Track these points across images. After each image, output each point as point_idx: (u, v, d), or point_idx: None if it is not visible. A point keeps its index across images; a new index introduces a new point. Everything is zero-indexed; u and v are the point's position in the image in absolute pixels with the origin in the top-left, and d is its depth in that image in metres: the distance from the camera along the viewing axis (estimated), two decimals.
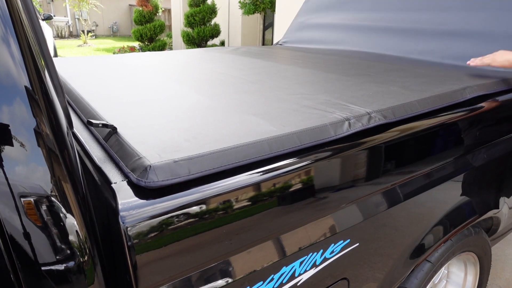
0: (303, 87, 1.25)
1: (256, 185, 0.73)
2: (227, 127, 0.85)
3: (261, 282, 0.80)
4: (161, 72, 1.51)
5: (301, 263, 0.85)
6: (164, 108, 1.00)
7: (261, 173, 0.75)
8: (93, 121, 0.79)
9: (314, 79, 1.40)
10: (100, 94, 1.11)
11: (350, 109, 0.98)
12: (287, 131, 0.83)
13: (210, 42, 8.84)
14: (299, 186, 0.80)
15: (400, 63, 1.75)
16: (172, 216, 0.64)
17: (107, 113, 0.93)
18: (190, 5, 8.42)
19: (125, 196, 0.63)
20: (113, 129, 0.81)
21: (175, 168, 0.67)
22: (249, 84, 1.30)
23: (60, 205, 0.53)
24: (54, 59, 1.49)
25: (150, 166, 0.66)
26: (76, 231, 0.56)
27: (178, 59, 1.87)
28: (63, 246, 0.54)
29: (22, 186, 0.50)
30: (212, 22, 8.57)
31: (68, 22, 16.67)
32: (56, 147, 0.53)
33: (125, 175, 0.69)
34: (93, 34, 15.88)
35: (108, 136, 0.81)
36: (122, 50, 9.83)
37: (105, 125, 0.80)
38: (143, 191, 0.65)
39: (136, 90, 1.18)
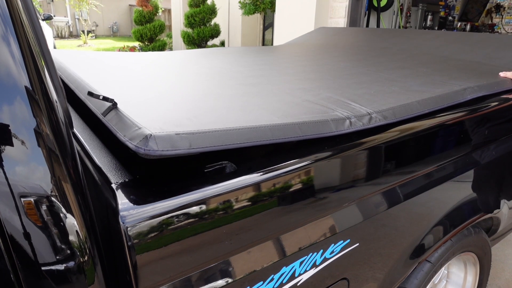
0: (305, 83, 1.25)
1: (256, 185, 0.73)
2: (229, 113, 0.85)
3: (261, 282, 0.80)
4: (166, 68, 1.51)
5: (301, 263, 0.85)
6: (168, 93, 1.00)
7: (261, 174, 0.75)
8: (94, 93, 0.76)
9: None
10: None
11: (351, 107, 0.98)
12: (289, 121, 0.83)
13: (210, 42, 8.84)
14: (299, 186, 0.80)
15: None
16: (172, 216, 0.64)
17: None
18: (190, 6, 8.42)
19: (125, 196, 0.63)
20: (113, 104, 0.78)
21: (176, 140, 0.66)
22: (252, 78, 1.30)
23: (60, 205, 0.53)
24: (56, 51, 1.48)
25: (151, 134, 0.64)
26: (76, 231, 0.56)
27: (185, 58, 1.87)
28: (63, 246, 0.54)
29: (23, 186, 0.50)
30: (212, 23, 8.56)
31: (68, 22, 16.66)
32: (56, 147, 0.53)
33: (122, 145, 0.67)
34: (93, 34, 15.87)
35: (108, 110, 0.79)
36: (122, 51, 9.83)
37: (106, 98, 0.77)
38: (143, 191, 0.65)
39: (143, 83, 1.18)
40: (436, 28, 6.54)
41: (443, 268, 1.43)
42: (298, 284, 0.86)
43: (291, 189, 0.79)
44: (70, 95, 1.03)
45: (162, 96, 0.96)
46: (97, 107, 0.84)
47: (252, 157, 0.83)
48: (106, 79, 1.14)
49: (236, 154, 0.81)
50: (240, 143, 0.73)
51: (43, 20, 7.69)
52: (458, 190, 1.25)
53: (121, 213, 0.60)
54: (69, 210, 0.55)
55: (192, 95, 1.00)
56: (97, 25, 17.41)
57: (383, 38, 2.41)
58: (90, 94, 0.77)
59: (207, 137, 0.70)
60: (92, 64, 1.41)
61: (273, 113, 0.88)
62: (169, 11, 14.06)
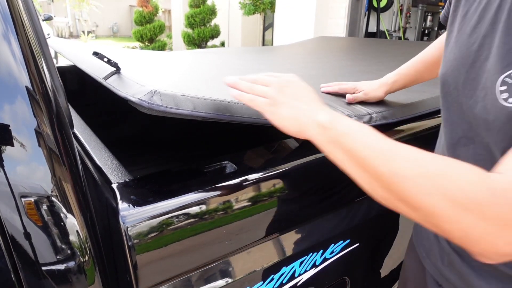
0: None
1: (256, 185, 0.73)
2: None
3: (261, 282, 0.80)
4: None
5: (301, 263, 0.85)
6: (174, 73, 1.00)
7: (261, 173, 0.75)
8: (99, 52, 0.74)
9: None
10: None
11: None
12: None
13: (210, 43, 8.84)
14: (299, 186, 0.81)
15: None
16: (172, 216, 0.64)
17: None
18: (190, 6, 8.43)
19: (125, 196, 0.63)
20: (117, 68, 0.76)
21: (181, 100, 0.65)
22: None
23: (60, 205, 0.54)
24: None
25: (156, 90, 0.63)
26: (77, 231, 0.56)
27: (186, 57, 1.87)
28: (63, 246, 0.54)
29: (23, 186, 0.50)
30: (212, 23, 8.57)
31: (68, 22, 16.68)
32: (57, 147, 0.53)
33: (125, 99, 0.66)
34: (93, 34, 15.88)
35: (110, 75, 0.77)
36: None
37: (110, 61, 0.75)
38: (144, 191, 0.65)
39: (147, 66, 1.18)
40: (436, 28, 6.54)
41: None
42: (298, 284, 0.86)
43: (292, 189, 0.80)
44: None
45: (168, 73, 0.95)
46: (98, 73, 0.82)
47: (252, 157, 0.84)
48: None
49: (237, 154, 0.81)
50: (244, 116, 0.72)
51: (43, 20, 7.70)
52: None
53: (121, 213, 0.60)
54: (69, 210, 0.55)
55: (196, 77, 0.99)
56: (97, 26, 17.42)
57: (385, 43, 2.42)
58: (95, 54, 0.73)
59: (213, 104, 0.68)
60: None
61: None
62: (169, 11, 14.06)
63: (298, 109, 0.60)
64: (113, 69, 0.77)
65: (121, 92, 0.66)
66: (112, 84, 0.72)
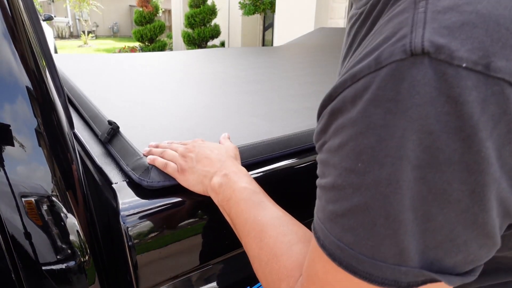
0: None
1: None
2: (227, 129, 0.85)
3: None
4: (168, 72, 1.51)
5: None
6: (170, 105, 1.00)
7: (262, 173, 0.75)
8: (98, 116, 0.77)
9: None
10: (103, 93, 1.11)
11: None
12: (288, 132, 0.83)
13: (210, 43, 8.85)
14: (300, 185, 0.81)
15: None
16: (173, 216, 0.64)
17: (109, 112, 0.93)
18: (190, 6, 8.44)
19: (126, 196, 0.63)
20: (116, 128, 0.81)
21: None
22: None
23: (61, 205, 0.54)
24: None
25: (152, 166, 0.66)
26: (77, 231, 0.56)
27: (187, 60, 1.87)
28: (64, 246, 0.54)
29: (23, 186, 0.50)
30: (212, 23, 8.58)
31: (68, 22, 16.68)
32: (57, 147, 0.53)
33: (126, 174, 0.69)
34: (93, 34, 15.89)
35: (110, 136, 0.81)
36: (122, 51, 9.85)
37: (109, 123, 0.80)
38: (144, 191, 0.65)
39: (138, 89, 1.18)
40: None
41: None
42: None
43: (291, 188, 0.80)
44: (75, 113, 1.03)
45: (164, 110, 0.98)
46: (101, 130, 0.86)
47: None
48: (108, 93, 1.14)
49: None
50: (243, 161, 0.74)
51: (43, 20, 7.70)
52: None
53: (121, 213, 0.60)
54: (69, 210, 0.55)
55: (192, 109, 1.01)
56: (97, 26, 17.42)
57: None
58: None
59: None
60: (94, 73, 1.41)
61: (273, 123, 0.91)
62: (169, 11, 14.07)
63: (200, 173, 0.63)
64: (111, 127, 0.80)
65: (124, 165, 0.69)
66: (115, 148, 0.76)
